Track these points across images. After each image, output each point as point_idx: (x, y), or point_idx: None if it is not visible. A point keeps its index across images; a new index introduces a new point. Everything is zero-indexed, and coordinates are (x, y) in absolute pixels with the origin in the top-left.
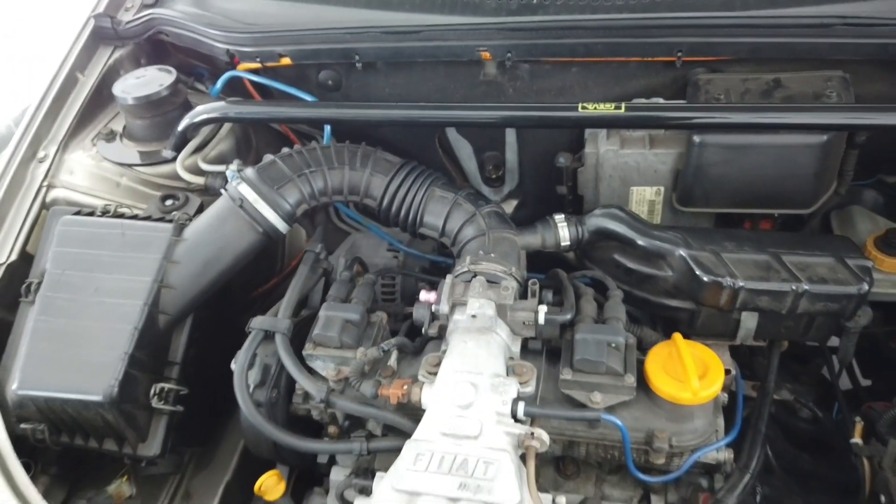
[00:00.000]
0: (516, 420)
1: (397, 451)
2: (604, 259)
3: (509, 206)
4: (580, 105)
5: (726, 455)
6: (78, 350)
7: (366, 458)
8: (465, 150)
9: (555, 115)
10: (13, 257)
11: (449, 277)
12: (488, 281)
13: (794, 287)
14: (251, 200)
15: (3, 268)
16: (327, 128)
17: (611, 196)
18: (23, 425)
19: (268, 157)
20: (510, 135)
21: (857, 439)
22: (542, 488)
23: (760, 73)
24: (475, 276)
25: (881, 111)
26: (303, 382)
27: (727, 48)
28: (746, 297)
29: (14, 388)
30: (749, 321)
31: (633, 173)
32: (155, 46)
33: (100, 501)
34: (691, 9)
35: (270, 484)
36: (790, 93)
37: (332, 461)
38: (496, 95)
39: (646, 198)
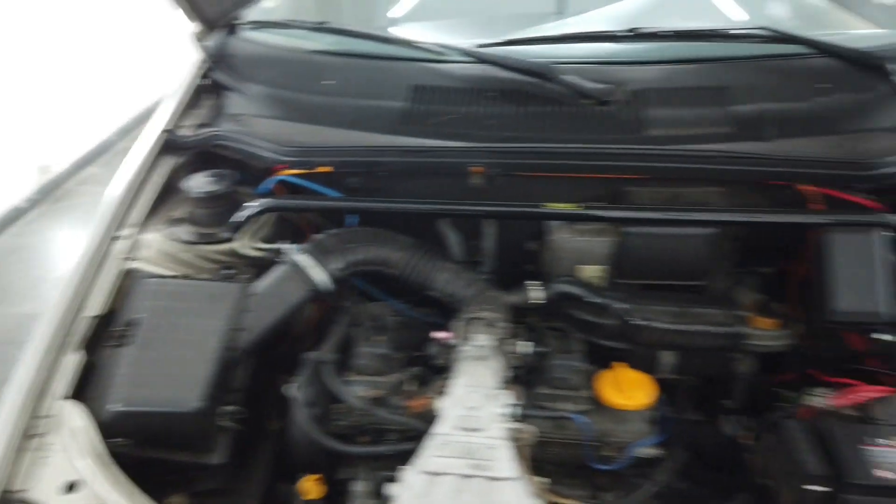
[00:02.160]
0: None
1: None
2: (562, 314)
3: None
4: (543, 204)
5: (657, 452)
6: (168, 375)
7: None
8: (454, 239)
9: (525, 211)
10: (103, 312)
11: (459, 321)
12: (488, 324)
13: (694, 328)
14: (306, 266)
15: (95, 320)
16: (354, 218)
17: (565, 272)
18: (113, 438)
19: (318, 236)
20: (488, 227)
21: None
22: None
23: (668, 188)
24: (478, 319)
25: (746, 213)
26: (346, 395)
27: (645, 170)
28: (664, 336)
29: (110, 406)
30: (667, 358)
31: (582, 255)
32: (206, 156)
33: None
34: (623, 143)
35: (312, 485)
36: (687, 201)
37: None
38: (479, 198)
39: (591, 274)
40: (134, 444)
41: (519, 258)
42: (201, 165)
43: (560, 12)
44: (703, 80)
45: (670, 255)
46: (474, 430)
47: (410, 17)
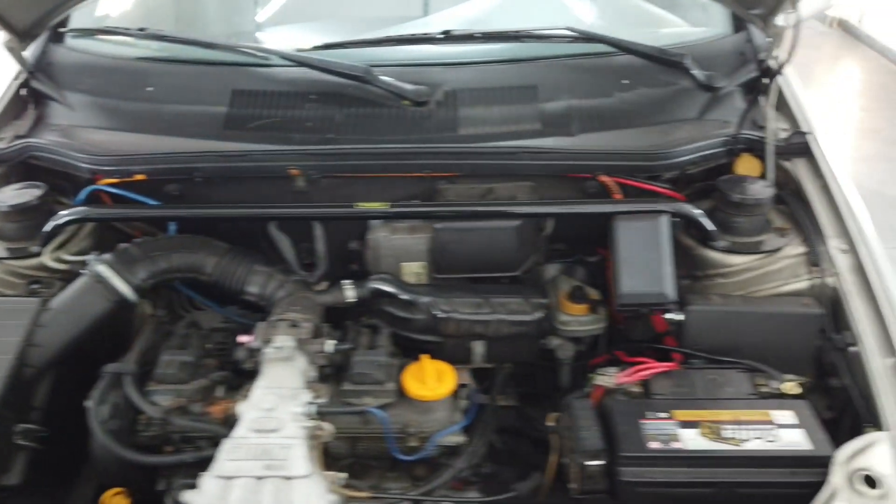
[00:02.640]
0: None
1: None
2: (377, 310)
3: (323, 286)
4: (355, 204)
5: (460, 439)
6: None
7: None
8: (285, 243)
9: (338, 211)
10: None
11: (261, 323)
12: (291, 325)
13: (494, 317)
14: (107, 276)
15: None
16: (172, 225)
17: (388, 270)
18: None
19: (121, 245)
20: (318, 229)
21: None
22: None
23: (480, 184)
24: (281, 321)
25: (550, 205)
26: (144, 406)
27: (457, 168)
28: (467, 326)
29: None
30: (478, 348)
31: (401, 253)
32: (25, 168)
33: None
34: (437, 142)
35: (115, 499)
36: (498, 196)
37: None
38: (304, 201)
39: (413, 270)
40: None
41: (345, 260)
42: (19, 179)
43: (425, 15)
44: (515, 80)
45: (478, 249)
46: (270, 430)
47: (276, 20)
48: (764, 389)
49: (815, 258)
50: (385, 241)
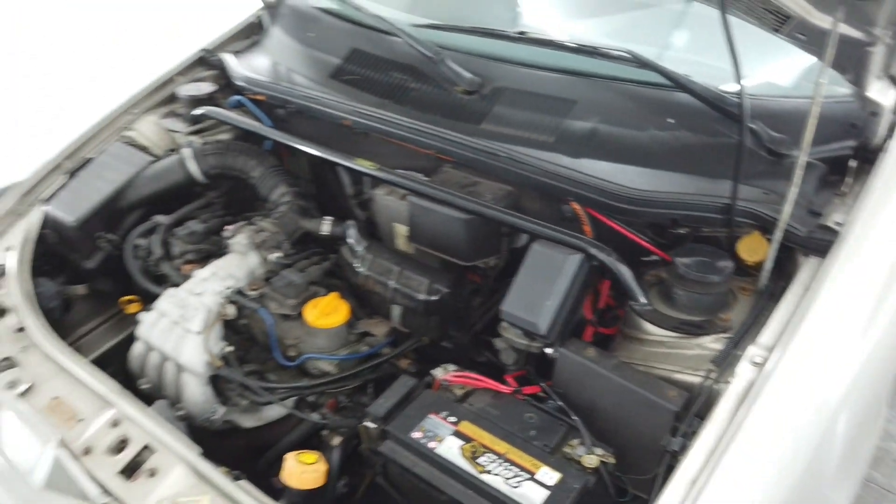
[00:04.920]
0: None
1: None
2: (338, 250)
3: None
4: (357, 160)
5: (330, 367)
6: (78, 196)
7: None
8: (345, 181)
9: (340, 161)
10: (91, 156)
11: (242, 222)
12: (258, 230)
13: (391, 283)
14: (187, 158)
15: (85, 160)
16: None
17: (383, 225)
18: (45, 230)
19: (207, 142)
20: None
21: None
22: None
23: (473, 176)
24: (251, 225)
25: (487, 208)
26: (155, 250)
27: (454, 155)
28: (372, 283)
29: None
30: (395, 311)
31: (393, 213)
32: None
33: (66, 290)
34: (455, 129)
35: (130, 306)
36: (479, 191)
37: None
38: (352, 148)
39: (401, 232)
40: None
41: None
42: (226, 83)
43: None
44: (560, 91)
45: (434, 229)
46: (196, 294)
47: None
48: (566, 450)
49: (720, 359)
50: (380, 200)
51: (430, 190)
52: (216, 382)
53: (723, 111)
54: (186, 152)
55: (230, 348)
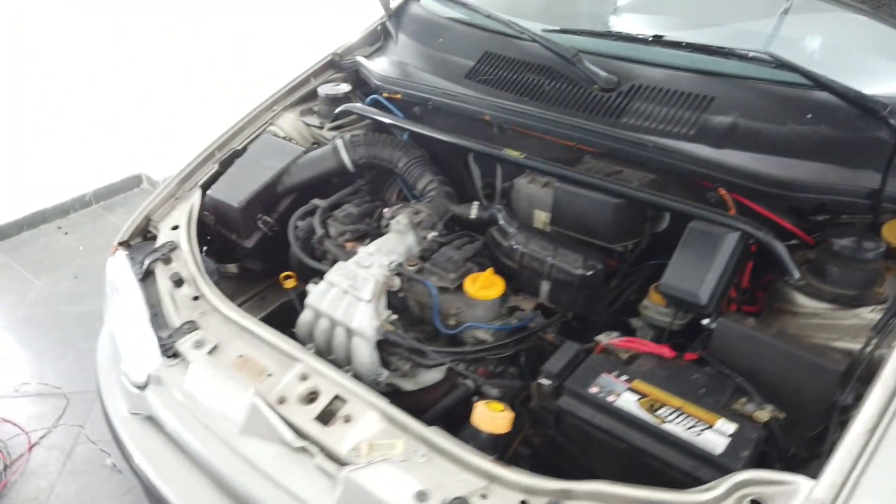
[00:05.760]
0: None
1: None
2: (486, 231)
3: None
4: (505, 150)
5: (487, 336)
6: (238, 182)
7: None
8: (476, 173)
9: (490, 151)
10: (239, 147)
11: (400, 204)
12: (414, 212)
13: (549, 259)
14: (339, 148)
15: (232, 151)
16: (405, 135)
17: (523, 211)
18: (206, 212)
19: (358, 134)
20: (498, 168)
21: None
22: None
23: (615, 165)
24: (409, 207)
25: (641, 192)
26: (318, 229)
27: (597, 145)
28: (528, 260)
29: (208, 192)
30: (544, 287)
31: (534, 200)
32: (355, 76)
33: (221, 267)
34: (595, 121)
35: (289, 280)
36: (623, 179)
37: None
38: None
39: (541, 218)
40: (214, 219)
41: (503, 194)
42: (351, 83)
43: None
44: (696, 89)
45: (582, 212)
46: (364, 266)
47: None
48: (735, 407)
49: (880, 325)
50: (523, 187)
51: (585, 177)
52: (380, 348)
53: (866, 109)
54: (340, 143)
55: (394, 316)
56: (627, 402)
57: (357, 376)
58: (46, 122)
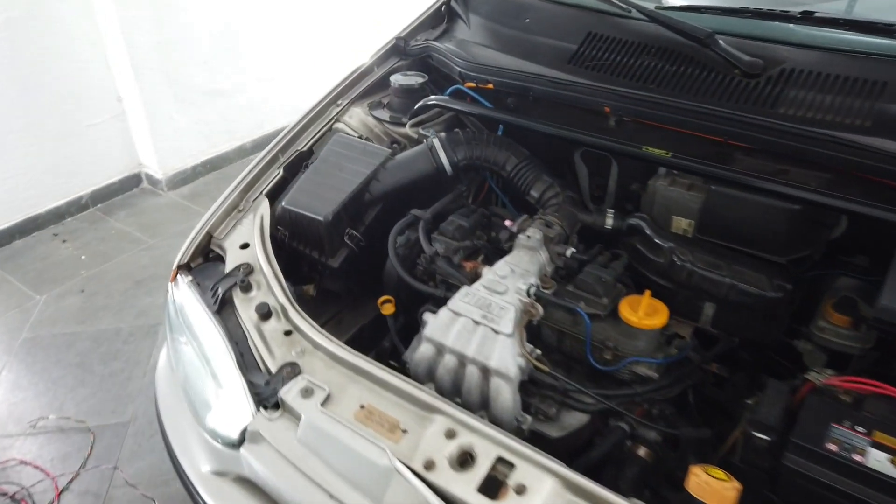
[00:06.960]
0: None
1: None
2: (627, 244)
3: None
4: (644, 147)
5: (652, 373)
6: (318, 190)
7: None
8: (583, 172)
9: (628, 150)
10: (304, 148)
11: (525, 216)
12: (546, 224)
13: (725, 278)
14: (436, 148)
15: (297, 153)
16: (501, 127)
17: (659, 219)
18: (279, 227)
19: (456, 131)
20: (613, 166)
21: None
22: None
23: (775, 163)
24: (540, 219)
25: (839, 199)
26: (425, 245)
27: (752, 140)
28: (698, 279)
29: (282, 203)
30: (708, 309)
31: (673, 205)
32: (423, 63)
33: (298, 290)
34: (748, 112)
35: (386, 305)
36: (790, 180)
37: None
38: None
39: (681, 226)
40: (289, 234)
41: (625, 197)
42: (418, 70)
43: None
44: (861, 73)
45: (747, 221)
46: (497, 292)
47: None
48: None
49: None
50: (662, 190)
51: (756, 181)
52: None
53: None
54: (436, 142)
55: (537, 351)
56: (879, 461)
57: (495, 423)
58: (36, 118)
